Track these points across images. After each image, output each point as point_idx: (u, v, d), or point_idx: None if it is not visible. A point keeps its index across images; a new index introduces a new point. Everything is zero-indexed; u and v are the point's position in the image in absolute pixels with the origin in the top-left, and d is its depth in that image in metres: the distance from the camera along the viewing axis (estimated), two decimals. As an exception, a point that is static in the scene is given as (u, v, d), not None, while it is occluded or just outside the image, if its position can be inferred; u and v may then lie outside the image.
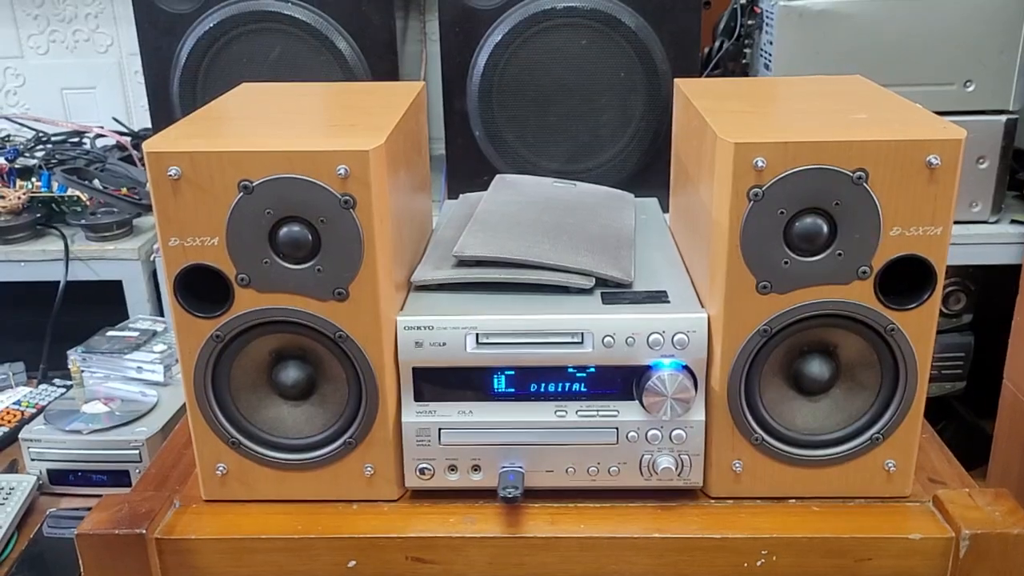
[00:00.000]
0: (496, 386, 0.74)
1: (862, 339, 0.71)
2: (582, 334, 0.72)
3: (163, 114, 1.40)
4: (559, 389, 0.74)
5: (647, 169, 1.37)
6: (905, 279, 0.69)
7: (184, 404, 0.74)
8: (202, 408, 0.73)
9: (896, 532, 0.71)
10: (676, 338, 0.71)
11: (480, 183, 1.04)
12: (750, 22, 1.45)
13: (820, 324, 0.71)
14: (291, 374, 0.73)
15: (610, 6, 1.30)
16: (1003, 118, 1.33)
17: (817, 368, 0.72)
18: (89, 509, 0.74)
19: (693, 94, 0.82)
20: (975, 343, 1.53)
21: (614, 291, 0.77)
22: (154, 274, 1.43)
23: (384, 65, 1.40)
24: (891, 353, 0.71)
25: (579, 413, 0.74)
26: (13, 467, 1.12)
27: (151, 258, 1.43)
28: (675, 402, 0.72)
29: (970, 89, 1.32)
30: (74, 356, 1.18)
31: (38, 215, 1.45)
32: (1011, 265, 1.38)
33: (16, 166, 1.51)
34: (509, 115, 1.35)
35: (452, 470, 0.75)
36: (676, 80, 0.90)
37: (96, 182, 1.48)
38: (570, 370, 0.73)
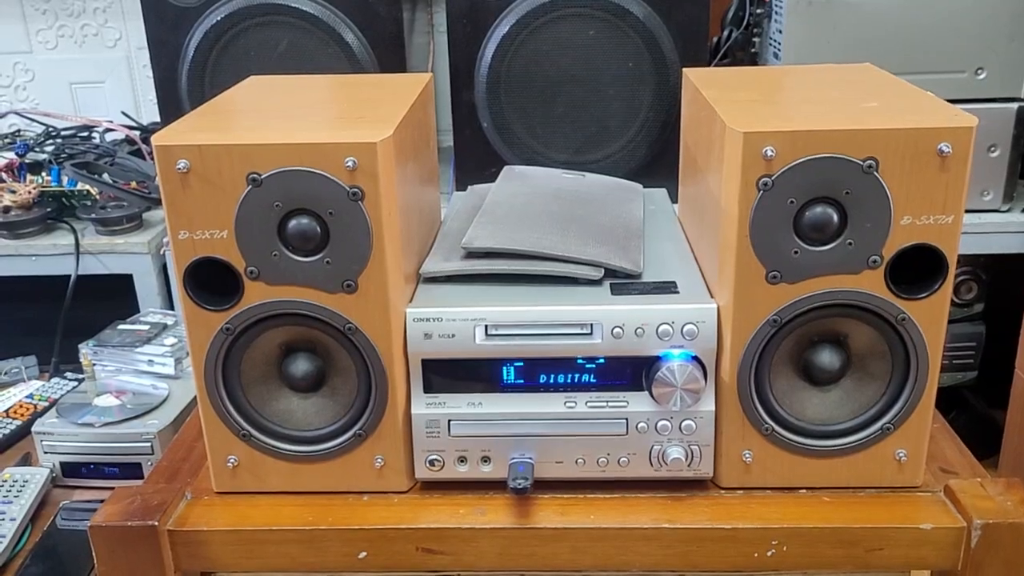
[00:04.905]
0: (505, 377, 0.74)
1: (873, 329, 0.71)
2: (591, 325, 0.72)
3: (171, 107, 1.41)
4: (568, 380, 0.74)
5: (656, 159, 1.37)
6: (916, 268, 0.69)
7: (195, 397, 0.74)
8: (213, 401, 0.73)
9: (907, 522, 0.71)
10: (685, 328, 0.71)
11: (488, 174, 1.04)
12: (759, 11, 1.44)
13: (830, 314, 0.70)
14: (301, 366, 0.73)
15: (618, -4, 1.30)
16: (1015, 106, 1.32)
17: (827, 358, 0.72)
18: (102, 501, 0.74)
19: (702, 84, 0.81)
20: (986, 333, 1.53)
21: (623, 282, 0.77)
22: (164, 268, 1.43)
23: (392, 57, 1.40)
24: (902, 343, 0.71)
25: (589, 404, 0.74)
26: (26, 460, 1.13)
27: (161, 252, 1.43)
28: (685, 393, 0.72)
29: (981, 76, 1.31)
30: (85, 350, 1.19)
31: (48, 209, 1.45)
32: (1023, 254, 1.37)
33: (26, 161, 1.52)
34: (517, 106, 1.35)
35: (462, 461, 0.75)
36: (684, 70, 0.90)
37: (106, 176, 1.49)
38: (579, 361, 0.73)
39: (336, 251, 0.69)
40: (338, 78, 1.02)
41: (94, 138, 1.63)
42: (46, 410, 1.19)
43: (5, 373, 1.33)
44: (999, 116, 1.32)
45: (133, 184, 1.47)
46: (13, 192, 1.44)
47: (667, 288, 0.76)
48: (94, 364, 1.18)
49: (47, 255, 1.42)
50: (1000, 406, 1.45)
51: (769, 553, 0.71)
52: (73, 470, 1.08)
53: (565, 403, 0.74)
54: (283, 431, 0.75)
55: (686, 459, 0.74)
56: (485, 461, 0.75)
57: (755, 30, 1.46)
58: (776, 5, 1.36)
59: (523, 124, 1.36)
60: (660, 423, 0.73)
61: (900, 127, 0.65)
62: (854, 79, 0.83)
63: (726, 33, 1.51)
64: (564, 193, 0.94)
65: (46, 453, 1.08)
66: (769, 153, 0.65)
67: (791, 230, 0.68)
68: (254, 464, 0.75)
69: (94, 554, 0.72)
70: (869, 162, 0.66)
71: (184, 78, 1.38)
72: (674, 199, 1.01)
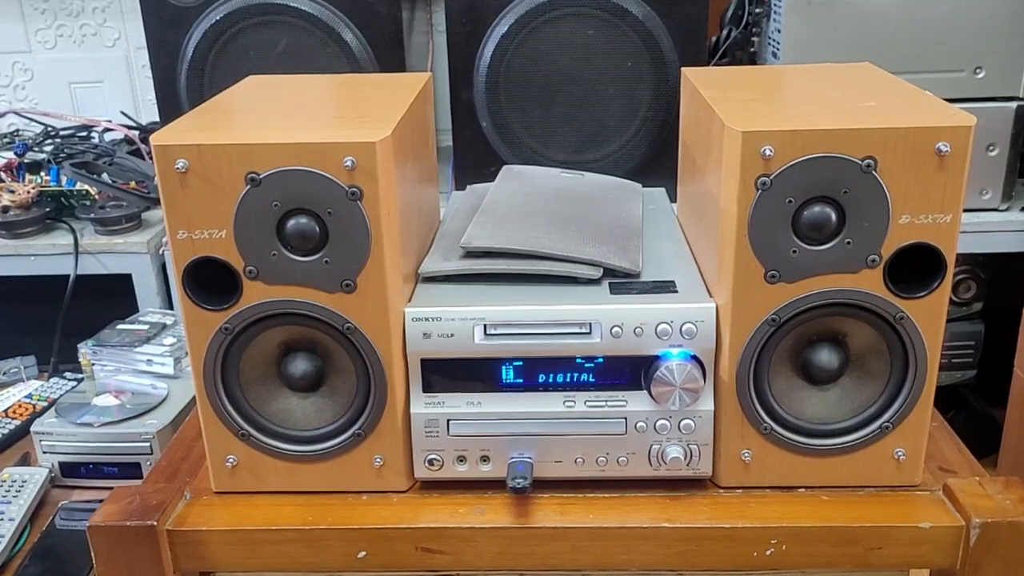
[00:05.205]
0: (504, 377, 0.74)
1: (871, 328, 0.71)
2: (590, 324, 0.72)
3: (170, 107, 1.41)
4: (567, 380, 0.74)
5: (655, 159, 1.37)
6: (914, 267, 0.69)
7: (194, 397, 0.74)
8: (212, 400, 0.73)
9: (906, 521, 0.71)
10: (684, 328, 0.71)
11: (487, 174, 1.04)
12: (758, 10, 1.45)
13: (829, 313, 0.70)
14: (300, 366, 0.73)
15: (617, -5, 1.30)
16: (1013, 104, 1.32)
17: (826, 357, 0.72)
18: (101, 501, 0.74)
19: (700, 83, 0.81)
20: (985, 331, 1.53)
21: (622, 281, 0.77)
22: (163, 267, 1.43)
23: (391, 57, 1.40)
24: (900, 342, 0.71)
25: (588, 403, 0.74)
26: (25, 460, 1.13)
27: (160, 251, 1.43)
28: (684, 392, 0.72)
29: (980, 75, 1.31)
30: (84, 349, 1.19)
31: (47, 209, 1.45)
32: (1022, 253, 1.38)
33: (25, 160, 1.52)
34: (516, 106, 1.35)
35: (461, 461, 0.75)
36: (683, 69, 0.90)
37: (104, 176, 1.49)
38: (578, 361, 0.73)
39: (335, 251, 0.69)
40: (337, 78, 1.02)
41: (93, 138, 1.63)
42: (45, 410, 1.19)
43: (4, 373, 1.33)
44: (998, 115, 1.32)
45: (132, 184, 1.47)
46: (12, 192, 1.44)
47: (666, 287, 0.76)
48: (93, 364, 1.18)
49: (46, 255, 1.42)
50: (999, 405, 1.45)
51: (768, 552, 0.71)
52: (72, 470, 1.08)
53: (564, 402, 0.74)
54: (282, 431, 0.75)
55: (685, 458, 0.74)
56: (484, 460, 0.75)
57: (754, 29, 1.46)
58: (775, 4, 1.36)
59: (522, 123, 1.36)
60: (659, 422, 0.73)
61: (899, 126, 0.65)
62: (853, 78, 0.83)
63: (725, 32, 1.51)
64: (563, 192, 0.94)
65: (45, 453, 1.08)
66: (768, 152, 0.65)
67: (790, 229, 0.68)
68: (253, 464, 0.75)
69: (93, 554, 0.72)
70: (868, 161, 0.66)
71: (183, 78, 1.38)
72: (673, 198, 1.01)
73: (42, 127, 1.67)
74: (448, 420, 0.74)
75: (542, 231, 0.81)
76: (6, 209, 1.43)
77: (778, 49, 1.35)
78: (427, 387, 0.74)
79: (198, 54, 1.37)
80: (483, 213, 0.85)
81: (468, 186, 1.03)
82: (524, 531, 0.72)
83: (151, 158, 0.68)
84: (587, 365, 0.73)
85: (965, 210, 0.68)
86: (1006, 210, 1.37)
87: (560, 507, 0.74)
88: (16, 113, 1.73)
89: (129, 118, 1.74)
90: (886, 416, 0.73)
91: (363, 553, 0.73)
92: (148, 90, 1.75)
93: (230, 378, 0.73)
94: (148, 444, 1.05)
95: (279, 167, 0.67)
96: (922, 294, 0.69)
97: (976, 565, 0.70)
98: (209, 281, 0.70)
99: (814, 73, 0.88)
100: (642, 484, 0.75)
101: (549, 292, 0.76)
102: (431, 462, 0.75)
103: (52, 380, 1.28)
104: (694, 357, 0.72)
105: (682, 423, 0.73)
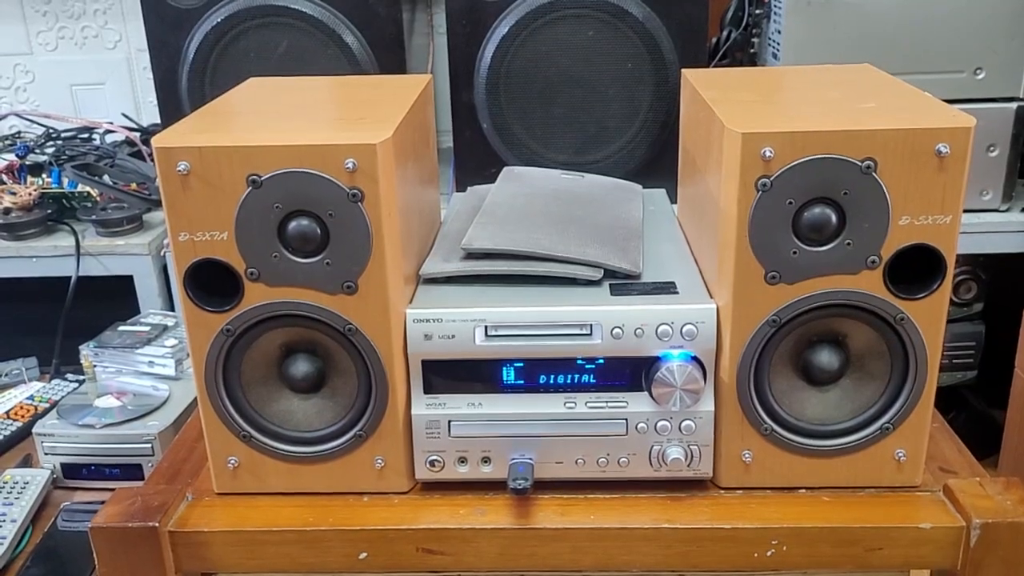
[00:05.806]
0: (505, 378, 0.74)
1: (871, 329, 0.71)
2: (591, 326, 0.72)
3: (172, 109, 1.41)
4: (568, 381, 0.74)
5: (655, 160, 1.37)
6: (915, 268, 0.69)
7: (195, 398, 0.74)
8: (213, 402, 0.73)
9: (906, 522, 0.71)
10: (685, 329, 0.71)
11: (488, 175, 1.04)
12: (758, 11, 1.45)
13: (829, 314, 0.71)
14: (301, 367, 0.73)
15: (617, -3, 1.30)
16: (1014, 105, 1.32)
17: (826, 358, 0.72)
18: (102, 503, 0.74)
19: (700, 84, 0.82)
20: (986, 332, 1.53)
21: (622, 282, 0.77)
22: (165, 269, 1.44)
23: (391, 58, 1.40)
24: (901, 343, 0.71)
25: (588, 404, 0.74)
26: (27, 461, 1.13)
27: (161, 253, 1.43)
28: (684, 393, 0.72)
29: (980, 76, 1.31)
30: (86, 351, 1.19)
31: (49, 211, 1.45)
32: (1022, 253, 1.38)
33: (27, 162, 1.52)
34: (516, 107, 1.35)
35: (462, 462, 0.75)
36: (683, 70, 0.90)
37: (106, 178, 1.49)
38: (579, 362, 0.73)
39: (336, 252, 0.69)
40: (338, 79, 1.02)
41: (94, 140, 1.64)
42: (47, 411, 1.19)
43: (6, 375, 1.33)
44: (998, 116, 1.32)
45: (133, 186, 1.47)
46: (13, 194, 1.44)
47: (666, 288, 0.76)
48: (95, 365, 1.18)
49: (48, 256, 1.42)
50: (1000, 405, 1.45)
51: (769, 553, 0.71)
52: (74, 471, 1.08)
53: (565, 403, 0.74)
54: (283, 432, 0.75)
55: (686, 459, 0.74)
56: (485, 461, 0.75)
57: (754, 30, 1.46)
58: (775, 5, 1.36)
59: (523, 125, 1.36)
60: (660, 423, 0.73)
61: (898, 127, 0.65)
62: (853, 79, 0.83)
63: (725, 33, 1.51)
64: (563, 194, 0.94)
65: (47, 454, 1.08)
66: (768, 154, 0.66)
67: (790, 230, 0.68)
68: (254, 465, 0.75)
69: (95, 555, 0.73)
70: (867, 162, 0.66)
71: (184, 80, 1.39)
72: (673, 199, 1.01)
73: (43, 129, 1.67)
74: (449, 421, 0.74)
75: (542, 232, 0.81)
76: (8, 211, 1.43)
77: (778, 50, 1.35)
78: (428, 388, 0.74)
79: (199, 56, 1.37)
80: (484, 214, 0.85)
81: (469, 187, 1.03)
82: (525, 532, 0.72)
83: (152, 160, 0.68)
84: (588, 366, 0.73)
85: (965, 211, 0.68)
86: (1006, 211, 1.37)
87: (561, 508, 0.74)
88: (17, 115, 1.73)
89: (130, 120, 1.74)
90: (886, 417, 0.73)
91: (364, 554, 0.73)
92: (149, 92, 1.76)
93: (231, 379, 0.73)
94: (150, 445, 1.05)
95: (280, 169, 0.67)
96: (922, 295, 0.69)
97: (976, 566, 0.70)
98: (210, 283, 0.71)
99: (814, 74, 0.88)
100: (643, 485, 0.75)
101: (550, 293, 0.76)
102: (432, 463, 0.75)
103: (54, 382, 1.29)
104: (695, 358, 0.72)
105: (683, 424, 0.73)
